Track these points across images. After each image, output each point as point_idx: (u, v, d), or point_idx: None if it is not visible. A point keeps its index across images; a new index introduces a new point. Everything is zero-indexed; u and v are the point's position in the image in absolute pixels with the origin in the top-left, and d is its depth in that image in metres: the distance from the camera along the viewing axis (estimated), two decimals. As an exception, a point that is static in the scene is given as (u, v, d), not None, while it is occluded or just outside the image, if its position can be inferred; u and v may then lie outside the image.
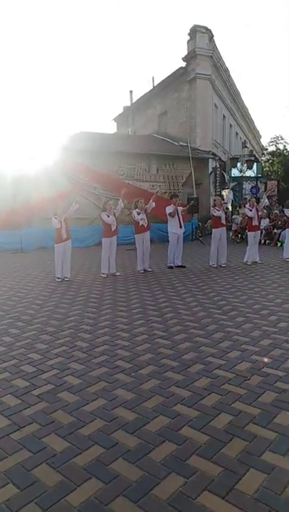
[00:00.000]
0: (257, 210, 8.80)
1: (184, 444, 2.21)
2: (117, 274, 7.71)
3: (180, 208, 8.50)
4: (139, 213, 7.80)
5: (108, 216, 7.50)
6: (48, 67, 72.67)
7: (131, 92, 23.94)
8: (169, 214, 8.29)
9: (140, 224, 7.79)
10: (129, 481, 1.93)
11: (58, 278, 7.23)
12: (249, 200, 9.52)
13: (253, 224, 8.85)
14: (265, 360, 3.37)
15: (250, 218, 8.79)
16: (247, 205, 9.36)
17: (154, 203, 7.94)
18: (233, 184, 17.94)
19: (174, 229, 8.36)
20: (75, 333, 4.19)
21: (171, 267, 8.39)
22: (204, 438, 2.26)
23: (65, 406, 2.65)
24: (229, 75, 21.19)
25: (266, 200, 9.85)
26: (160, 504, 1.78)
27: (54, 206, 7.51)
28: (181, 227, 8.47)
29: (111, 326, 4.44)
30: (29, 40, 71.08)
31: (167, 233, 8.72)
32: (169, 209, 8.30)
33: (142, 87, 63.23)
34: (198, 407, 2.60)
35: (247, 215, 8.94)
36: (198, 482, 1.91)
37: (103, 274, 7.61)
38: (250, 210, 8.70)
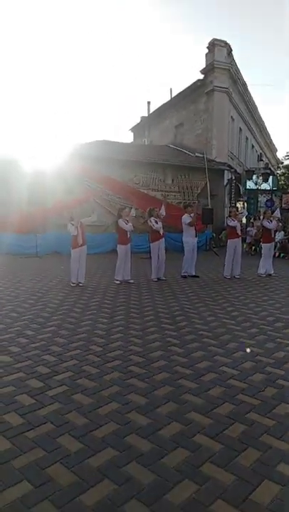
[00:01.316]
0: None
1: (198, 451, 2.20)
2: (131, 281, 7.74)
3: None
4: (156, 222, 7.86)
5: (126, 223, 7.58)
6: (68, 78, 74.23)
7: (149, 102, 24.28)
8: (189, 223, 8.30)
9: (161, 233, 7.87)
10: (142, 484, 1.92)
11: (73, 283, 7.30)
12: (265, 213, 9.49)
13: (271, 236, 8.84)
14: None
15: (268, 230, 8.76)
16: (261, 218, 9.35)
17: (164, 211, 8.07)
18: (247, 197, 17.92)
19: (190, 238, 8.37)
20: (88, 338, 4.21)
21: (184, 277, 8.38)
22: (218, 446, 2.25)
23: (79, 408, 2.66)
24: (246, 89, 21.30)
25: (278, 213, 9.81)
26: (173, 509, 1.77)
27: (70, 212, 7.61)
28: (196, 236, 8.48)
29: (124, 331, 4.46)
30: (54, 50, 72.81)
31: (180, 243, 8.73)
32: (186, 218, 8.32)
33: (160, 98, 63.94)
34: (211, 416, 2.59)
35: (264, 227, 8.89)
36: (212, 489, 1.90)
37: (117, 280, 7.65)
38: (270, 223, 8.68)
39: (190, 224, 8.31)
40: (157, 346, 3.97)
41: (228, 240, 8.62)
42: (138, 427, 2.43)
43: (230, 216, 8.67)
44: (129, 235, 7.72)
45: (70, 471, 2.01)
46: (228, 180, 17.70)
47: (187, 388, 2.99)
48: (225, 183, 17.53)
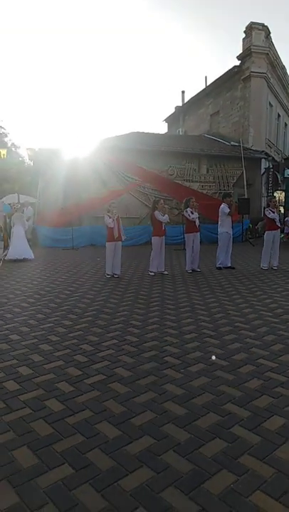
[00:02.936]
0: None
1: (235, 443, 2.18)
2: (165, 272, 7.74)
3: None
4: (192, 212, 7.79)
5: (163, 215, 7.57)
6: (103, 70, 74.48)
7: (183, 92, 23.89)
8: (228, 213, 8.14)
9: (197, 223, 7.78)
10: (180, 473, 1.94)
11: (108, 274, 7.40)
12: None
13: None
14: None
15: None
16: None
17: None
18: (285, 186, 17.29)
19: (226, 229, 8.22)
20: (124, 328, 4.27)
21: (220, 268, 8.27)
22: (256, 438, 2.22)
23: (116, 396, 2.71)
24: (285, 73, 20.44)
25: None
26: (211, 498, 1.77)
27: (106, 204, 7.69)
28: (232, 227, 8.32)
29: (159, 322, 4.48)
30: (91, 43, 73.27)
31: (215, 234, 8.59)
32: (225, 208, 8.14)
33: (195, 87, 62.81)
34: (249, 408, 2.56)
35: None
36: (251, 481, 1.88)
37: (151, 272, 7.67)
38: None
39: (229, 214, 8.14)
40: (193, 337, 3.95)
41: (266, 231, 8.38)
42: (175, 417, 2.44)
43: (268, 206, 8.40)
44: (163, 227, 7.71)
45: (108, 456, 2.07)
46: (266, 168, 17.16)
47: (224, 380, 2.97)
48: (262, 172, 17.01)
